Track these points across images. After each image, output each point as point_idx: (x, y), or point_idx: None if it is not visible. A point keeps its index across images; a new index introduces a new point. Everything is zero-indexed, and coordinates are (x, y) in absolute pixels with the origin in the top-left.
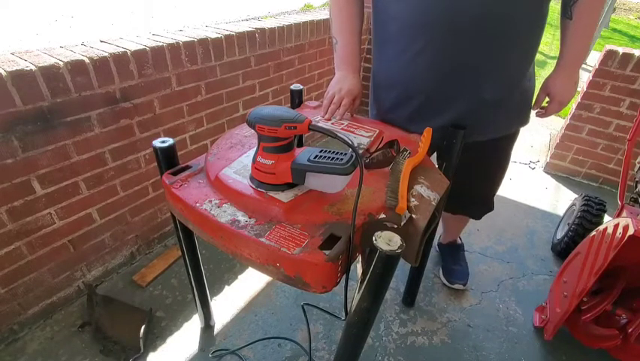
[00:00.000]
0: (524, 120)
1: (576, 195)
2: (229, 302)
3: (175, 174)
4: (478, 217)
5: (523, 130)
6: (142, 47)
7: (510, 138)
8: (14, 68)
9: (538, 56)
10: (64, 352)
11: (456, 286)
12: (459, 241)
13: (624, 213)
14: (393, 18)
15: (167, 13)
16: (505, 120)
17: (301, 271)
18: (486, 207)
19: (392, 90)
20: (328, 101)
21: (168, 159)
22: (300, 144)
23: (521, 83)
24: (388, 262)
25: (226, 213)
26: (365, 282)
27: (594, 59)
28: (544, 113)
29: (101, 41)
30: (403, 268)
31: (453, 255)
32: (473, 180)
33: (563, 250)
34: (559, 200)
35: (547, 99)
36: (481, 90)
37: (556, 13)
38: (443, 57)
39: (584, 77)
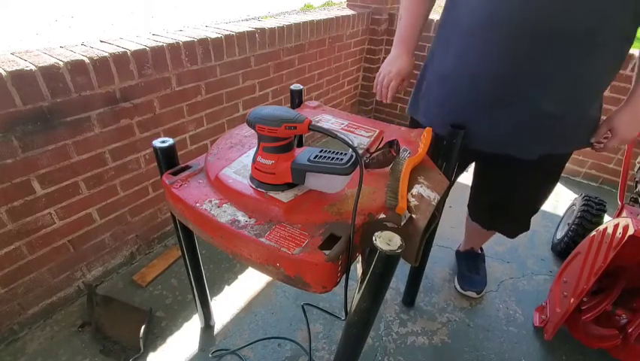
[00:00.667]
0: (581, 142)
1: (576, 195)
2: (229, 302)
3: (175, 174)
4: (513, 236)
5: None
6: (142, 47)
7: (563, 159)
8: (14, 68)
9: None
10: (64, 352)
11: (469, 293)
12: (479, 251)
13: (624, 213)
14: (471, 15)
15: (167, 13)
16: (560, 138)
17: (301, 271)
18: (523, 227)
19: (448, 85)
20: (379, 84)
21: (168, 159)
22: (300, 144)
23: (586, 109)
24: (388, 262)
25: (226, 213)
26: (365, 282)
27: None
28: (602, 147)
29: (101, 41)
30: (403, 268)
31: (470, 263)
32: (517, 196)
33: (562, 250)
34: (559, 200)
35: (608, 133)
36: (541, 102)
37: None
38: (512, 60)
39: None
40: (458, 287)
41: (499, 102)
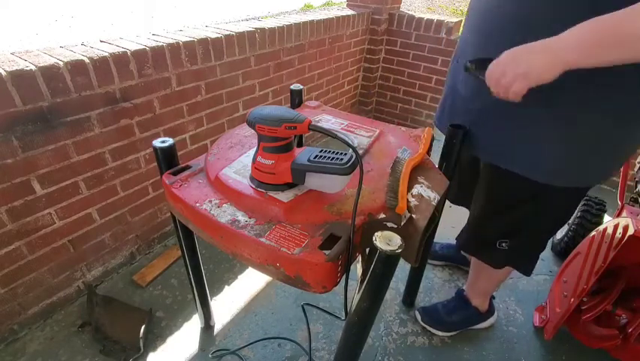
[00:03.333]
0: (563, 175)
1: None
2: (229, 302)
3: (175, 174)
4: (529, 273)
5: None
6: (142, 47)
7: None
8: (14, 68)
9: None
10: (64, 352)
11: (432, 331)
12: (469, 300)
13: (624, 213)
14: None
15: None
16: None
17: (301, 271)
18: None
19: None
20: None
21: (168, 159)
22: (300, 144)
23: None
24: (388, 262)
25: (226, 213)
26: (365, 282)
27: None
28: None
29: (101, 41)
30: (403, 268)
31: (455, 305)
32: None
33: (563, 250)
34: None
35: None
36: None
37: None
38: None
39: None
40: (419, 317)
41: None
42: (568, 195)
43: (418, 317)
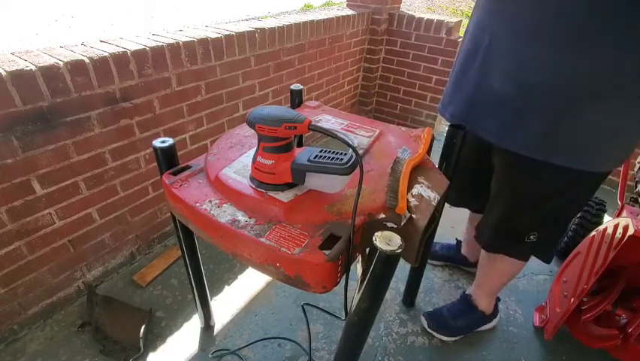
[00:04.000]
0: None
1: None
2: (229, 302)
3: (175, 174)
4: (550, 260)
5: None
6: (142, 47)
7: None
8: (14, 68)
9: None
10: (64, 352)
11: (437, 335)
12: (475, 303)
13: (624, 213)
14: None
15: (167, 13)
16: (511, 124)
17: (301, 271)
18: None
19: None
20: None
21: (168, 159)
22: (300, 144)
23: (537, 95)
24: (388, 262)
25: (226, 213)
26: (365, 282)
27: None
28: None
29: (101, 41)
30: (403, 268)
31: (461, 309)
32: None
33: (563, 250)
34: None
35: None
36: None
37: None
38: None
39: None
40: (425, 323)
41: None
42: (597, 179)
43: (424, 323)
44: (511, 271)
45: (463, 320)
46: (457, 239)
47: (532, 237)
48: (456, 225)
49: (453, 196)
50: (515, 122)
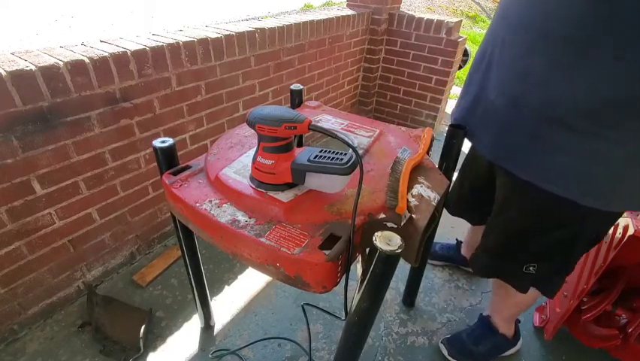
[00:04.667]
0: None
1: None
2: (229, 302)
3: (175, 174)
4: (553, 295)
5: None
6: (142, 47)
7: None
8: (14, 68)
9: None
10: (64, 352)
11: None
12: (496, 326)
13: (624, 213)
14: None
15: (167, 13)
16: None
17: (301, 271)
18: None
19: None
20: None
21: (168, 159)
22: (300, 144)
23: (537, 109)
24: (388, 262)
25: (226, 213)
26: (365, 282)
27: None
28: None
29: (101, 41)
30: (403, 268)
31: (482, 334)
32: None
33: None
34: None
35: None
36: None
37: None
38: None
39: None
40: (445, 350)
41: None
42: (608, 218)
43: (444, 351)
44: (524, 301)
45: (486, 345)
46: (457, 239)
47: (531, 268)
48: (456, 225)
49: (452, 205)
50: (505, 136)
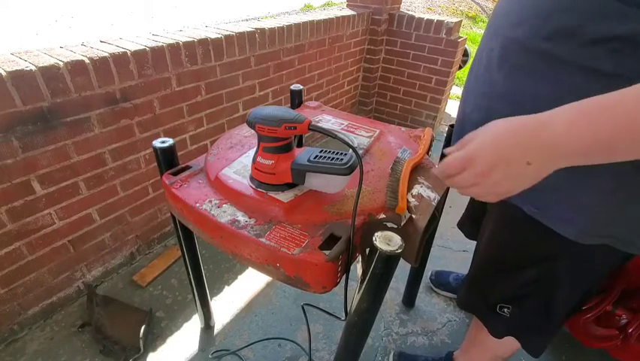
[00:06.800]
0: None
1: None
2: (229, 302)
3: (175, 174)
4: (536, 354)
5: None
6: (142, 47)
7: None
8: (14, 68)
9: None
10: (64, 352)
11: None
12: None
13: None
14: None
15: (167, 14)
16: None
17: (301, 271)
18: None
19: None
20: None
21: (168, 159)
22: (300, 144)
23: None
24: (388, 262)
25: (226, 214)
26: (365, 282)
27: None
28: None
29: (101, 41)
30: (403, 268)
31: None
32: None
33: None
34: None
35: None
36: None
37: None
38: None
39: None
40: None
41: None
42: (604, 257)
43: None
44: (494, 349)
45: None
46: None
47: (505, 310)
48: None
49: (465, 228)
50: None
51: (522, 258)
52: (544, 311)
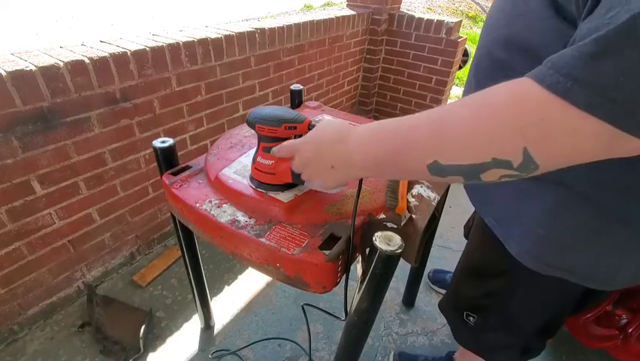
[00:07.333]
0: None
1: None
2: (229, 302)
3: (175, 174)
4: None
5: None
6: (142, 47)
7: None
8: (14, 68)
9: None
10: (64, 352)
11: None
12: None
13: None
14: None
15: (167, 14)
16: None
17: (301, 271)
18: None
19: None
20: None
21: (168, 159)
22: None
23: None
24: (388, 262)
25: (226, 214)
26: (365, 282)
27: None
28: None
29: (101, 41)
30: (403, 268)
31: None
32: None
33: None
34: None
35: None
36: None
37: None
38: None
39: None
40: None
41: None
42: (556, 285)
43: None
44: None
45: None
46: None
47: (471, 318)
48: (456, 225)
49: (468, 230)
50: None
51: (486, 268)
52: (504, 325)
